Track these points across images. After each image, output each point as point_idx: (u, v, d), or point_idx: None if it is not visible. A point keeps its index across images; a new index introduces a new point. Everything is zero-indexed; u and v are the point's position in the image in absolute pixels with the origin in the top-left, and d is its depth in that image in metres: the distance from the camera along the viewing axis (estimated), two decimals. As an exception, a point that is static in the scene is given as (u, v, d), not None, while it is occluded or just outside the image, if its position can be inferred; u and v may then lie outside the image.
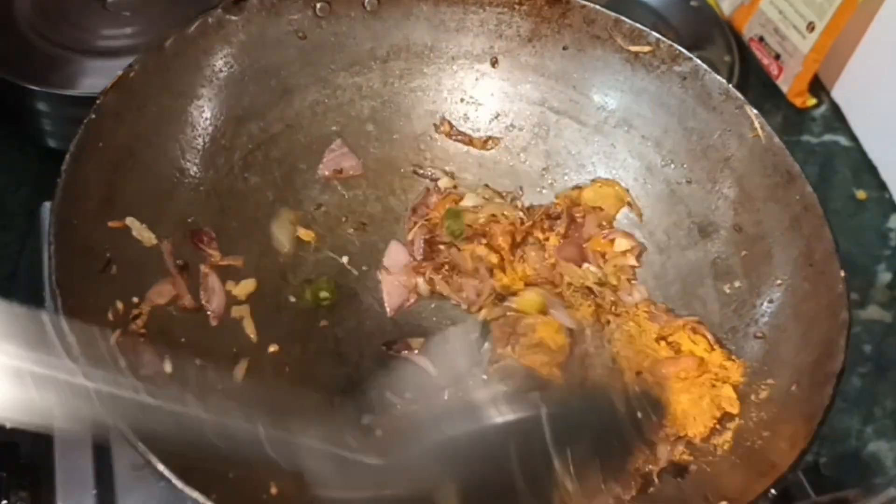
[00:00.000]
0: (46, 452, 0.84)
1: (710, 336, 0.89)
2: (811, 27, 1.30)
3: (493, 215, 0.97)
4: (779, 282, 0.87)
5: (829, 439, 1.03)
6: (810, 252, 0.86)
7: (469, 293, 0.94)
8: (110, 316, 0.76)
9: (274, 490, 0.76)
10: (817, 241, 0.85)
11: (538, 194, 1.01)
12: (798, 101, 1.37)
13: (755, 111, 0.91)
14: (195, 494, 0.64)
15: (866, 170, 1.31)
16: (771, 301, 0.87)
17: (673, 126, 0.96)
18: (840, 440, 1.04)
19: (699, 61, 0.94)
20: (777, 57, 1.36)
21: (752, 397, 0.84)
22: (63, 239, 0.73)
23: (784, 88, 1.37)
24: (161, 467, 0.65)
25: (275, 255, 0.93)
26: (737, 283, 0.90)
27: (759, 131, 0.91)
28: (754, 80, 1.38)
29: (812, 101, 1.37)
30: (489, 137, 1.01)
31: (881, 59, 1.29)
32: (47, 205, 0.90)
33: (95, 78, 1.06)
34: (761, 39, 1.38)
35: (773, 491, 0.71)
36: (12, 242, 1.06)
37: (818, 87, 1.39)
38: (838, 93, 1.38)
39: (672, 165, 0.96)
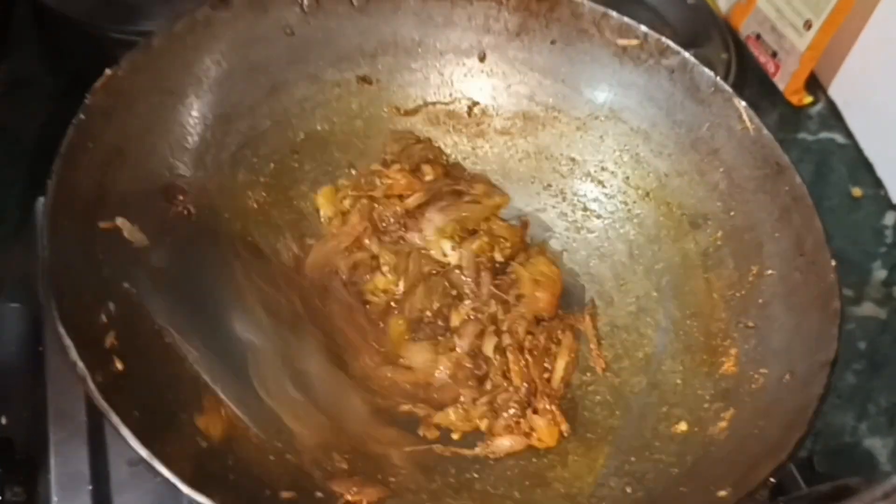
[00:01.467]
0: (42, 448, 0.84)
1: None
2: (808, 25, 1.30)
3: None
4: (770, 272, 0.87)
5: (822, 435, 1.02)
6: (801, 242, 0.85)
7: None
8: (104, 318, 0.76)
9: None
10: (808, 231, 0.85)
11: (528, 186, 1.01)
12: (794, 99, 1.36)
13: (744, 103, 0.91)
14: (202, 499, 0.65)
15: (862, 167, 1.31)
16: (762, 291, 0.87)
17: (661, 119, 0.96)
18: (834, 436, 1.03)
19: (687, 54, 0.94)
20: (774, 55, 1.36)
21: (746, 387, 0.83)
22: (56, 242, 0.74)
23: (781, 86, 1.36)
24: (167, 473, 0.66)
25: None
26: (727, 274, 0.90)
27: (748, 123, 0.91)
28: (751, 78, 1.38)
29: (808, 99, 1.37)
30: (477, 131, 1.02)
31: (878, 57, 1.29)
32: (42, 199, 0.90)
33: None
34: (758, 37, 1.38)
35: (772, 479, 0.70)
36: (8, 236, 1.06)
37: (815, 84, 1.38)
38: (835, 90, 1.37)
39: (661, 158, 0.96)
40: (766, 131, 0.90)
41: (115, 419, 0.66)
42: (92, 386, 0.67)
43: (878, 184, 1.29)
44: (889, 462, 1.03)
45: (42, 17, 1.17)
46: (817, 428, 0.74)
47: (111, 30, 1.11)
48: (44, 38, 1.25)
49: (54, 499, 0.81)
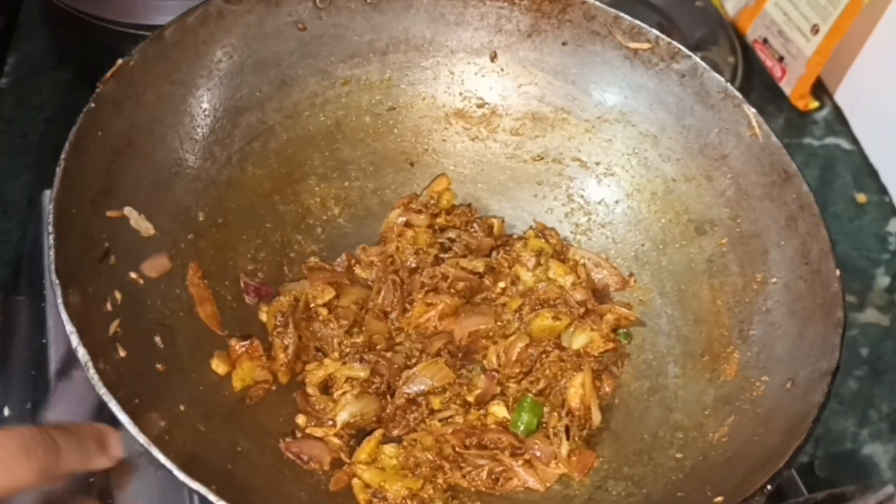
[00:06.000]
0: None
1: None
2: (815, 30, 1.30)
3: None
4: (774, 280, 0.87)
5: (824, 441, 1.02)
6: (806, 251, 0.86)
7: None
8: (109, 306, 0.76)
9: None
10: (813, 239, 0.85)
11: (534, 187, 1.02)
12: (801, 104, 1.37)
13: (753, 110, 0.91)
14: (196, 486, 0.65)
15: (867, 174, 1.31)
16: (766, 299, 0.87)
17: (671, 123, 0.96)
18: (835, 442, 1.03)
19: (698, 59, 0.94)
20: (780, 59, 1.36)
21: (747, 393, 0.83)
22: (62, 228, 0.73)
23: (787, 91, 1.36)
24: (164, 460, 0.66)
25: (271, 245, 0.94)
26: (732, 281, 0.90)
27: (757, 130, 0.91)
28: (757, 82, 1.38)
29: (814, 104, 1.37)
30: (486, 131, 1.02)
31: (885, 63, 1.29)
32: (48, 193, 0.91)
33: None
34: (765, 41, 1.38)
35: (769, 486, 0.71)
36: (14, 229, 1.06)
37: (821, 90, 1.39)
38: (841, 96, 1.37)
39: (669, 162, 0.96)
40: (774, 138, 0.90)
41: (115, 405, 0.67)
42: (92, 372, 0.67)
43: (883, 190, 1.29)
44: (890, 468, 1.03)
45: (49, 12, 1.17)
46: (819, 433, 0.74)
47: (117, 24, 1.11)
48: (51, 32, 1.25)
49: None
